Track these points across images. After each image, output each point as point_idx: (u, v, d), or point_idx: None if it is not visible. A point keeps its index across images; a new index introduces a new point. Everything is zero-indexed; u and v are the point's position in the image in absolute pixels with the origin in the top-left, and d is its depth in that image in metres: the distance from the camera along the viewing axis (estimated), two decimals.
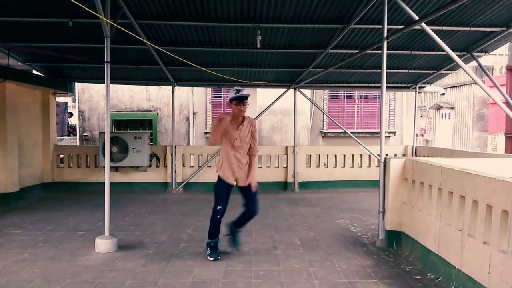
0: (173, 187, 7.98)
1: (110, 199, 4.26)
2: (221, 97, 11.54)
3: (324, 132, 11.60)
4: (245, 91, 3.61)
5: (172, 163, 8.03)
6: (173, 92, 8.17)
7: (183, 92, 10.89)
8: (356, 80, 8.25)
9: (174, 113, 8.26)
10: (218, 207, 3.72)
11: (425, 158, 4.27)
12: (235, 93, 3.55)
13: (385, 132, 11.53)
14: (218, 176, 3.78)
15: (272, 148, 8.55)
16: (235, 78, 7.70)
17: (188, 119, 11.01)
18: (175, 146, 8.10)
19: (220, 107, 11.53)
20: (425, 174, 3.82)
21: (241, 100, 3.56)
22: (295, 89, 8.28)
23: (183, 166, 8.16)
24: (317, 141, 11.62)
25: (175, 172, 8.02)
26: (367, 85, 8.42)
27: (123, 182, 8.00)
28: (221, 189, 3.73)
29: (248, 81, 7.91)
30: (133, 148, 7.76)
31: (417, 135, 12.88)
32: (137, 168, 7.92)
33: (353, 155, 8.45)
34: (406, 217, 4.20)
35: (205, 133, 11.39)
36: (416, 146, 8.58)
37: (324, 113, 10.10)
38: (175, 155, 8.04)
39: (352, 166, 8.46)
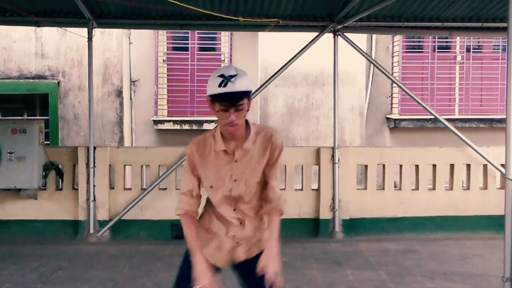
0: (91, 230, 8.01)
1: None
2: (186, 49, 11.52)
3: (395, 120, 11.62)
4: (240, 80, 3.17)
5: (88, 182, 8.06)
6: (90, 40, 8.19)
7: (112, 41, 10.87)
8: (458, 15, 8.24)
9: (91, 81, 8.23)
10: None
11: None
12: (218, 84, 3.17)
13: None
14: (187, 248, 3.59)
15: (289, 151, 8.52)
16: (213, 11, 7.70)
17: (120, 93, 11.01)
18: (95, 149, 8.13)
19: (185, 70, 11.53)
20: None
21: (228, 101, 3.21)
22: (335, 32, 8.28)
23: (111, 188, 8.20)
24: (379, 136, 11.59)
25: (94, 200, 8.05)
26: (478, 24, 8.42)
27: None
28: (187, 268, 3.62)
29: (241, 18, 7.91)
30: (9, 153, 7.73)
31: None
32: (18, 191, 7.91)
33: (452, 166, 8.46)
34: None
35: (155, 121, 11.39)
36: None
37: (394, 82, 9.97)
38: (94, 166, 8.07)
39: (451, 188, 8.45)
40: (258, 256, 3.47)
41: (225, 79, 3.16)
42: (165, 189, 8.25)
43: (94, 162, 8.06)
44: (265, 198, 3.50)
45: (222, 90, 3.15)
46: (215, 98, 3.19)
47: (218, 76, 3.19)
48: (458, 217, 8.32)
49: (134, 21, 8.33)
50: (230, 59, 11.58)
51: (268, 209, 3.51)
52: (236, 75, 3.18)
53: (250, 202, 3.51)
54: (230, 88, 3.15)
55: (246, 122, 3.38)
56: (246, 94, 3.22)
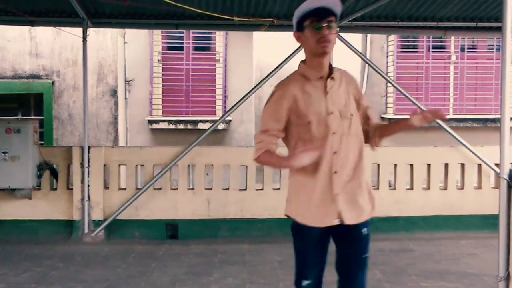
0: (86, 230, 8.01)
1: None
2: (181, 48, 11.51)
3: (389, 119, 11.62)
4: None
5: (83, 182, 8.07)
6: (84, 39, 8.19)
7: (107, 41, 10.87)
8: (453, 15, 8.26)
9: (86, 81, 8.24)
10: (303, 284, 3.55)
11: None
12: (306, 5, 3.29)
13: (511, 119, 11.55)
14: (292, 221, 3.51)
15: (284, 151, 8.52)
16: (208, 11, 7.70)
17: (115, 93, 11.01)
18: (90, 149, 8.14)
19: (179, 70, 11.52)
20: None
21: (321, 16, 3.28)
22: None
23: (106, 188, 8.21)
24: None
25: (89, 199, 8.06)
26: (473, 24, 8.44)
27: None
28: (304, 246, 3.52)
29: (236, 18, 7.91)
30: (4, 153, 7.73)
31: None
32: (12, 191, 7.91)
33: (446, 165, 8.49)
34: None
35: (150, 121, 11.38)
36: None
37: (389, 82, 9.98)
38: (89, 166, 8.08)
39: (445, 188, 8.48)
40: (365, 224, 3.51)
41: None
42: (160, 188, 8.24)
43: (88, 162, 8.05)
44: (368, 129, 3.58)
45: (314, 4, 3.25)
46: (306, 15, 3.29)
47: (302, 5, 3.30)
48: (452, 217, 8.34)
49: (129, 20, 8.31)
50: (225, 59, 11.57)
51: (372, 139, 3.60)
52: None
53: (351, 136, 3.41)
54: (321, 2, 3.25)
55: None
56: (335, 15, 3.30)
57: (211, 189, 8.28)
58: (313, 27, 3.25)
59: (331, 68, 3.43)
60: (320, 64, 3.37)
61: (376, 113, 11.64)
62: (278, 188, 8.23)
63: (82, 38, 8.18)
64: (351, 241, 3.51)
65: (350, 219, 3.41)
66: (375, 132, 3.57)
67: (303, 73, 3.43)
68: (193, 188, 8.36)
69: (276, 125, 3.39)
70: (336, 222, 3.39)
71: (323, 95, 3.36)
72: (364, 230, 3.50)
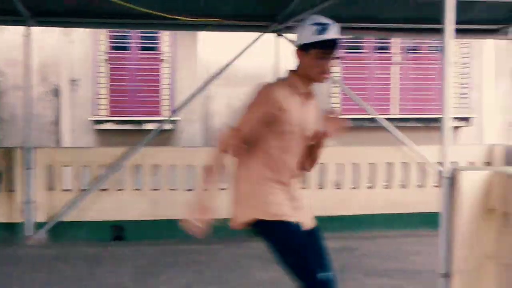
0: (30, 233, 7.91)
1: None
2: (127, 48, 11.38)
3: None
4: (337, 28, 3.34)
5: (26, 184, 7.96)
6: (27, 38, 8.11)
7: (51, 39, 10.67)
8: (396, 16, 8.37)
9: (29, 80, 8.18)
10: (318, 277, 3.37)
11: None
12: (317, 31, 3.26)
13: (452, 119, 11.78)
14: (276, 224, 3.39)
15: None
16: (154, 10, 7.65)
17: (57, 92, 10.82)
18: (34, 149, 8.05)
19: (125, 69, 11.39)
20: None
21: (330, 48, 3.32)
22: (278, 32, 8.33)
23: (50, 189, 8.11)
24: None
25: (31, 202, 7.95)
26: (416, 26, 8.61)
27: None
28: (298, 243, 3.44)
29: (183, 17, 7.89)
30: None
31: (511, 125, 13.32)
32: None
33: (389, 164, 8.61)
34: (493, 287, 4.29)
35: (95, 121, 11.23)
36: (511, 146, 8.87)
37: (335, 83, 10.08)
38: (32, 167, 7.97)
39: (388, 187, 8.59)
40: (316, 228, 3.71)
41: (325, 26, 3.27)
42: (106, 189, 8.16)
43: (31, 163, 7.92)
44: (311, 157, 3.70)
45: (327, 36, 3.25)
46: (316, 45, 3.28)
47: (312, 24, 3.30)
48: (396, 215, 8.49)
49: (74, 19, 8.21)
50: (172, 59, 11.50)
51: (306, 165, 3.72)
52: (331, 23, 3.31)
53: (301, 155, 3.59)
54: (333, 34, 3.27)
55: None
56: (338, 44, 3.35)
57: (158, 190, 8.24)
58: (319, 58, 3.31)
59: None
60: (311, 85, 3.51)
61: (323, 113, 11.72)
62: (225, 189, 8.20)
63: (25, 36, 8.08)
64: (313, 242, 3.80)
65: (310, 224, 3.72)
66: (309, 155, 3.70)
67: (292, 84, 3.45)
68: (140, 189, 8.30)
69: (247, 130, 3.36)
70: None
71: (307, 109, 3.50)
72: (318, 232, 3.83)
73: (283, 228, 3.38)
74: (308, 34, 3.29)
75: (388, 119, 9.47)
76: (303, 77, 3.44)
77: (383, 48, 11.89)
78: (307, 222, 3.59)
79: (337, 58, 3.39)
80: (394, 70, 11.94)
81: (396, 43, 11.85)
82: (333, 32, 3.28)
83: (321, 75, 3.37)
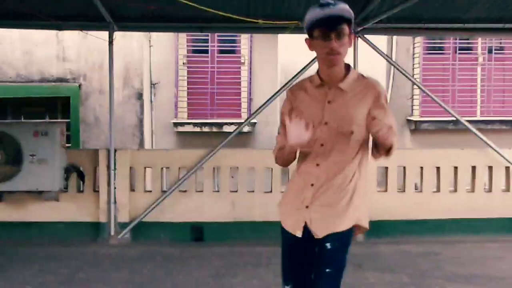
0: (112, 232, 8.06)
1: None
2: (206, 51, 11.54)
3: (415, 122, 11.58)
4: (340, 5, 3.11)
5: (109, 185, 8.11)
6: (111, 43, 8.24)
7: (132, 44, 10.92)
8: (480, 16, 8.20)
9: (112, 84, 8.30)
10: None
11: None
12: (316, 11, 3.09)
13: None
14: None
15: None
16: (233, 14, 7.71)
17: (140, 96, 11.07)
18: (116, 151, 8.19)
19: (205, 73, 11.54)
20: None
21: (328, 24, 3.06)
22: (356, 34, 8.24)
23: (132, 190, 8.26)
24: (401, 138, 11.53)
25: (115, 202, 8.10)
26: (500, 25, 8.38)
27: (11, 222, 8.07)
28: (284, 249, 3.45)
29: (260, 20, 7.92)
30: (31, 155, 7.79)
31: None
32: (39, 193, 7.97)
33: (473, 168, 8.42)
34: None
35: (176, 124, 11.41)
36: None
37: (415, 84, 9.90)
38: (115, 169, 8.12)
39: (472, 190, 8.41)
40: (329, 238, 3.20)
41: (324, 4, 3.08)
42: (185, 191, 8.26)
43: (115, 165, 8.09)
44: (379, 143, 3.10)
45: (322, 13, 3.06)
46: (314, 24, 3.11)
47: (315, 6, 3.12)
48: (479, 220, 8.27)
49: (154, 24, 8.40)
50: (250, 62, 11.58)
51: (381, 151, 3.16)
52: (335, 2, 3.09)
53: (338, 161, 3.18)
54: (330, 10, 3.05)
55: (348, 67, 3.24)
56: (347, 21, 3.07)
57: (236, 191, 8.29)
58: (322, 38, 3.08)
59: (346, 72, 3.24)
60: (330, 74, 3.19)
61: (402, 115, 11.58)
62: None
63: (108, 41, 8.24)
64: (317, 255, 3.30)
65: (317, 232, 3.24)
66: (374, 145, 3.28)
67: (313, 79, 3.29)
68: (218, 191, 8.38)
69: (283, 129, 3.30)
70: (299, 233, 3.27)
71: (323, 103, 3.20)
72: (328, 244, 3.22)
73: (281, 230, 3.41)
74: (310, 15, 3.13)
75: (471, 121, 9.26)
76: (321, 67, 3.23)
77: (466, 49, 11.63)
78: (315, 225, 3.24)
79: (342, 36, 3.06)
80: (477, 71, 11.65)
81: (479, 43, 11.56)
82: (336, 8, 3.06)
83: (328, 56, 3.09)
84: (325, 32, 3.06)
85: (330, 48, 3.06)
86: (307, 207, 3.23)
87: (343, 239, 3.27)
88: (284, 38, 10.51)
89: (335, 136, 3.16)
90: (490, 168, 8.39)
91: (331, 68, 3.16)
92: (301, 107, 3.25)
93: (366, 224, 3.35)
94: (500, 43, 11.62)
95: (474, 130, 8.41)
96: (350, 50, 8.81)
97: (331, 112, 3.17)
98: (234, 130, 8.74)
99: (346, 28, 3.06)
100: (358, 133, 3.16)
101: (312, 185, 3.22)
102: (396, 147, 3.17)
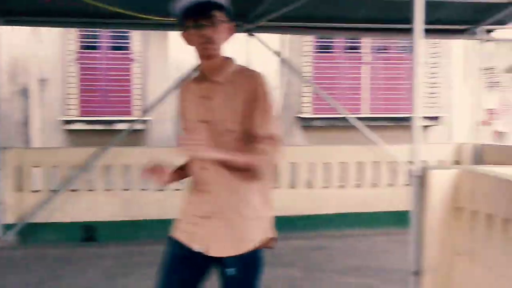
0: None
1: None
2: (95, 47, 11.30)
3: (306, 119, 11.81)
4: None
5: None
6: None
7: (18, 39, 10.54)
8: (367, 16, 8.43)
9: None
10: None
11: (498, 168, 4.43)
12: (181, 3, 2.82)
13: (422, 118, 11.87)
14: None
15: None
16: (125, 10, 7.60)
17: (26, 93, 10.72)
18: (3, 150, 7.97)
19: (95, 69, 11.31)
20: (500, 199, 3.96)
21: (198, 12, 2.80)
22: (249, 32, 8.34)
23: (19, 190, 8.05)
24: (292, 135, 11.75)
25: (0, 203, 7.88)
26: (386, 26, 8.66)
27: None
28: (166, 264, 3.10)
29: (154, 17, 7.85)
30: None
31: (480, 124, 13.47)
32: None
33: (360, 163, 8.70)
34: (464, 284, 4.34)
35: (65, 121, 11.13)
36: (480, 145, 9.04)
37: (305, 81, 10.10)
38: (1, 168, 7.90)
39: (360, 185, 8.69)
40: (231, 261, 2.85)
41: None
42: (76, 190, 8.08)
43: (0, 164, 7.83)
44: (253, 152, 2.81)
45: (189, 1, 2.79)
46: (184, 15, 2.84)
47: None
48: (367, 213, 8.56)
49: (43, 18, 8.12)
50: (143, 58, 11.44)
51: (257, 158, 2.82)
52: None
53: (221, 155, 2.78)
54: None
55: (229, 59, 2.96)
56: (220, 7, 2.82)
57: (130, 190, 8.19)
58: (195, 28, 2.82)
59: (226, 67, 2.93)
60: (208, 66, 2.91)
61: (293, 113, 11.76)
62: None
63: None
64: (220, 279, 2.95)
65: (213, 251, 2.89)
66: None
67: (195, 75, 3.05)
68: (110, 190, 8.24)
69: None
70: (196, 247, 2.92)
71: (203, 100, 2.89)
72: (230, 270, 2.86)
73: (167, 241, 3.11)
74: (177, 9, 2.87)
75: (358, 118, 9.53)
76: (200, 60, 2.94)
77: (354, 48, 11.97)
78: (205, 244, 2.89)
79: (224, 23, 2.83)
80: (365, 70, 12.03)
81: (366, 43, 11.94)
82: None
83: (203, 45, 2.82)
84: (196, 21, 2.80)
85: (203, 36, 2.81)
86: (201, 217, 2.90)
87: (249, 261, 2.93)
88: (175, 35, 10.44)
89: (217, 136, 2.80)
90: (377, 163, 8.70)
91: (209, 60, 2.88)
92: (186, 106, 3.02)
93: (273, 232, 3.04)
94: (385, 43, 12.04)
95: (361, 127, 8.65)
96: (243, 49, 8.87)
97: (210, 109, 2.86)
98: (129, 128, 8.60)
99: (219, 15, 2.81)
100: (240, 132, 2.82)
101: (203, 191, 2.91)
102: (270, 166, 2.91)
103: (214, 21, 2.80)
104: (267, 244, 3.00)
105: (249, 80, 2.85)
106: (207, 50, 2.84)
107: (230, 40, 2.93)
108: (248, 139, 2.81)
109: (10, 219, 7.88)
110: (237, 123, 2.82)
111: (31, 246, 7.75)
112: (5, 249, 7.61)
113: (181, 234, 3.00)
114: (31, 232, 7.94)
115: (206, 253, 2.88)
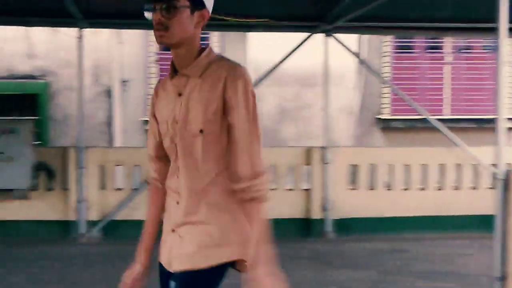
0: (82, 231, 8.04)
1: None
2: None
3: (385, 120, 11.67)
4: None
5: (78, 183, 8.08)
6: (80, 39, 8.21)
7: (102, 41, 10.84)
8: (449, 15, 8.28)
9: (81, 81, 8.29)
10: None
11: None
12: None
13: (506, 119, 11.53)
14: None
15: (280, 151, 8.57)
16: None
17: (109, 93, 11.01)
18: (86, 149, 8.15)
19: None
20: None
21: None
22: (327, 33, 8.32)
23: (102, 188, 8.23)
24: (370, 137, 11.65)
25: (84, 200, 8.07)
26: (468, 25, 8.48)
27: None
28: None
29: (230, 18, 7.95)
30: (0, 153, 7.76)
31: None
32: (8, 192, 7.92)
33: (441, 166, 8.55)
34: None
35: (146, 121, 11.35)
36: None
37: (384, 82, 9.99)
38: (83, 167, 8.09)
39: (440, 188, 8.53)
40: (190, 274, 2.46)
41: None
42: None
43: (84, 163, 8.05)
44: (232, 172, 2.41)
45: None
46: (142, 4, 2.56)
47: None
48: (448, 217, 8.40)
49: (124, 21, 8.29)
50: None
51: (238, 196, 2.41)
52: None
53: (198, 170, 2.43)
54: None
55: (204, 49, 2.55)
56: None
57: None
58: (152, 12, 2.51)
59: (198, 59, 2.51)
60: (176, 58, 2.53)
61: (372, 114, 11.66)
62: (275, 189, 8.28)
63: (78, 38, 8.19)
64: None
65: (175, 265, 2.53)
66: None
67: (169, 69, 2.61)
68: None
69: (151, 144, 2.67)
70: (166, 266, 2.61)
71: (175, 97, 2.49)
72: (172, 284, 2.53)
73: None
74: None
75: (440, 119, 9.37)
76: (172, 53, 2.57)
77: (435, 48, 11.76)
78: (170, 260, 2.57)
79: (178, 11, 2.44)
80: (446, 70, 11.80)
81: (448, 42, 11.71)
82: None
83: (155, 32, 2.50)
84: (151, 4, 2.51)
85: (156, 21, 2.49)
86: (173, 231, 2.55)
87: (198, 281, 2.48)
88: (254, 36, 10.52)
89: (188, 138, 2.43)
90: (459, 166, 8.52)
91: (174, 48, 2.51)
92: (157, 105, 2.59)
93: (244, 255, 2.44)
94: (468, 42, 11.78)
95: (442, 128, 8.51)
96: (320, 49, 8.89)
97: (180, 107, 2.45)
98: None
99: (177, 1, 2.42)
100: (211, 133, 2.41)
101: (177, 203, 2.51)
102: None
103: (170, 6, 2.42)
104: (236, 266, 2.49)
105: (223, 72, 2.43)
106: (159, 37, 2.49)
107: (200, 29, 2.56)
108: (227, 142, 2.43)
109: (94, 216, 8.11)
110: (212, 123, 2.40)
111: (114, 242, 7.91)
112: (90, 245, 7.84)
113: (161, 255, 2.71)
114: (113, 229, 8.15)
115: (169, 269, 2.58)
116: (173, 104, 2.47)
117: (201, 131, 2.39)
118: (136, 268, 2.75)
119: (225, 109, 2.39)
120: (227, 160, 2.43)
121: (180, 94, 2.46)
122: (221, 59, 2.53)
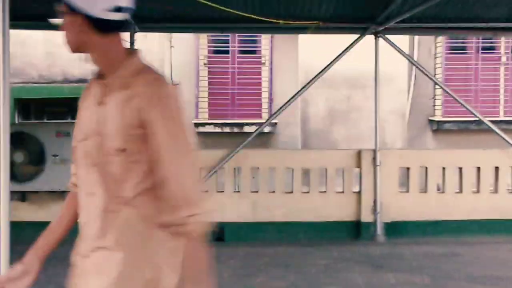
0: None
1: (10, 260, 4.25)
2: (227, 52, 11.59)
3: (437, 122, 11.54)
4: None
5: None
6: (132, 44, 8.33)
7: (153, 44, 11.00)
8: (502, 15, 8.18)
9: None
10: None
11: None
12: None
13: None
14: None
15: (330, 154, 8.58)
16: (253, 14, 7.74)
17: None
18: None
19: (225, 72, 11.60)
20: None
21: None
22: (376, 34, 8.30)
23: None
24: (422, 139, 11.54)
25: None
26: None
27: (35, 221, 8.01)
28: None
29: (281, 21, 7.96)
30: (54, 156, 7.89)
31: None
32: (62, 193, 7.98)
33: (496, 168, 8.41)
34: None
35: (196, 124, 11.47)
36: None
37: (436, 84, 9.88)
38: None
39: (495, 191, 8.40)
40: None
41: None
42: (206, 191, 8.27)
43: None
44: (162, 201, 2.11)
45: None
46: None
47: None
48: (502, 221, 8.27)
49: (175, 24, 8.46)
50: (271, 62, 11.62)
51: (170, 229, 2.11)
52: None
53: (117, 191, 2.11)
54: None
55: (131, 54, 2.27)
56: (67, 4, 2.15)
57: (257, 192, 8.34)
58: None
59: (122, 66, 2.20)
60: (96, 63, 2.26)
61: (424, 115, 11.54)
62: (324, 191, 8.28)
63: (130, 42, 8.32)
64: None
65: None
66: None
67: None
68: (239, 191, 8.43)
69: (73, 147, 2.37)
70: None
71: (94, 108, 2.17)
72: None
73: None
74: None
75: (494, 121, 9.23)
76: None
77: (489, 49, 11.57)
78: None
79: (66, 19, 2.20)
80: (501, 71, 11.60)
81: (503, 43, 11.51)
82: None
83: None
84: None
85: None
86: (82, 255, 2.30)
87: None
88: (304, 38, 10.53)
89: (105, 154, 2.10)
90: None
91: (92, 55, 2.26)
92: (80, 114, 2.26)
93: None
94: None
95: (497, 130, 8.39)
96: (371, 50, 8.85)
97: (99, 119, 2.13)
98: (255, 131, 8.78)
99: (63, 7, 2.18)
100: (133, 152, 2.08)
101: (85, 223, 2.22)
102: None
103: (62, 9, 2.19)
104: None
105: (144, 83, 2.12)
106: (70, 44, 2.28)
107: (79, 34, 2.23)
108: (150, 164, 2.09)
109: None
110: (130, 140, 2.07)
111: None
112: None
113: None
114: None
115: None
116: (95, 115, 2.14)
117: (122, 149, 2.07)
118: (16, 268, 2.32)
119: (146, 128, 2.05)
120: (153, 181, 2.10)
121: (101, 103, 2.14)
122: (144, 67, 2.23)
